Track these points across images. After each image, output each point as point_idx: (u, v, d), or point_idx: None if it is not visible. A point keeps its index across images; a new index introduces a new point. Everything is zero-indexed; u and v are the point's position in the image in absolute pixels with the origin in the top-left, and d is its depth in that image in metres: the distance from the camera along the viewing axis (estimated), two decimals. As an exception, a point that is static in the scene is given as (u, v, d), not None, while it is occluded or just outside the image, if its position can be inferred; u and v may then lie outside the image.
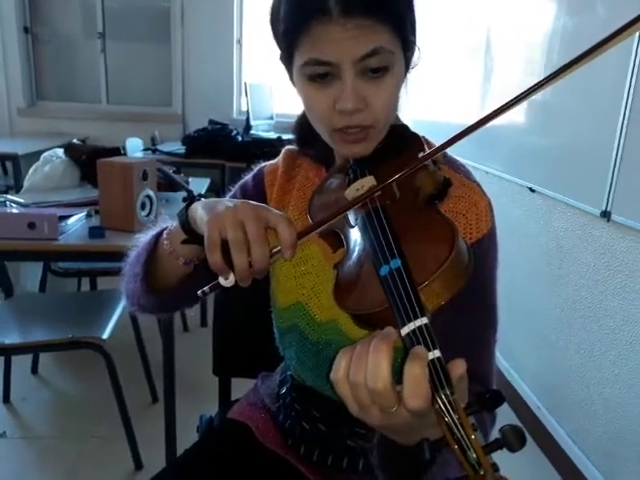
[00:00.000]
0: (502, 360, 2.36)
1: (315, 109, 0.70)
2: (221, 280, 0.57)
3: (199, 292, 0.59)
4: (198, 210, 0.64)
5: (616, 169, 1.51)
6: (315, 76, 0.66)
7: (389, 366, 0.45)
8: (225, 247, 0.56)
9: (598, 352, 1.68)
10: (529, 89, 0.52)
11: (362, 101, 0.66)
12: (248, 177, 0.93)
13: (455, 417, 0.42)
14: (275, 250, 0.57)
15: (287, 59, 0.70)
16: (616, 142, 1.50)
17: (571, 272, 1.83)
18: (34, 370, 2.34)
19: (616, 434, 1.59)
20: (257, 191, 0.91)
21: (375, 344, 0.46)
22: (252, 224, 0.56)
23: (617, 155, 1.50)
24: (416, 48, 0.71)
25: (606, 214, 1.56)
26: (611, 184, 1.53)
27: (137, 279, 0.76)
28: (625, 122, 1.47)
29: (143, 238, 0.79)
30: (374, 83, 0.66)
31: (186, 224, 0.67)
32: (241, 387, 1.14)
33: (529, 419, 2.06)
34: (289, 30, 0.66)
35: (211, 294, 0.59)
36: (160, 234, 0.75)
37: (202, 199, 0.67)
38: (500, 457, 0.42)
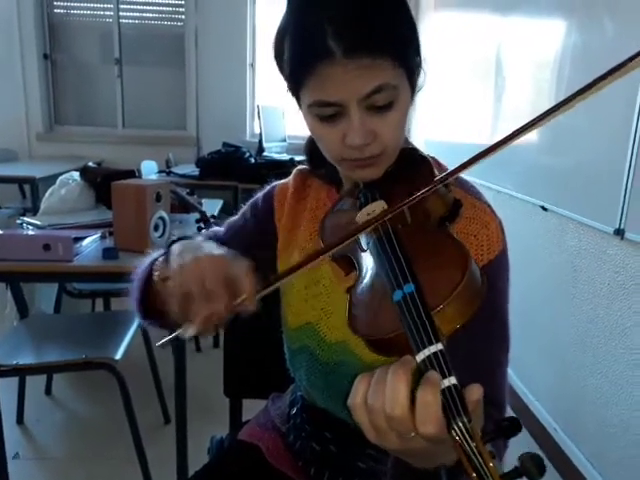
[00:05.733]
0: (517, 382, 2.32)
1: (325, 143, 0.72)
2: (180, 332, 0.59)
3: (157, 344, 0.63)
4: (174, 253, 0.66)
5: (629, 186, 1.50)
6: (323, 117, 0.68)
7: (407, 392, 0.44)
8: (187, 298, 0.58)
9: (615, 372, 1.65)
10: (541, 115, 0.52)
11: (370, 134, 0.67)
12: (259, 196, 0.94)
13: (472, 445, 0.41)
14: (239, 301, 0.58)
15: (295, 95, 0.72)
16: (628, 159, 1.49)
17: (586, 291, 1.81)
18: (48, 391, 2.35)
19: (637, 457, 1.55)
20: (266, 210, 0.92)
21: (393, 370, 0.46)
22: (211, 278, 0.58)
23: (630, 172, 1.49)
24: (421, 70, 0.72)
25: (620, 232, 1.55)
26: (624, 202, 1.51)
27: (136, 303, 0.80)
28: (637, 139, 1.46)
29: (146, 260, 0.81)
30: (381, 117, 0.67)
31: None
32: (253, 408, 1.14)
33: (546, 442, 2.01)
34: (294, 72, 0.67)
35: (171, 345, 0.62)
36: (154, 262, 0.78)
37: (182, 241, 0.71)
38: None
